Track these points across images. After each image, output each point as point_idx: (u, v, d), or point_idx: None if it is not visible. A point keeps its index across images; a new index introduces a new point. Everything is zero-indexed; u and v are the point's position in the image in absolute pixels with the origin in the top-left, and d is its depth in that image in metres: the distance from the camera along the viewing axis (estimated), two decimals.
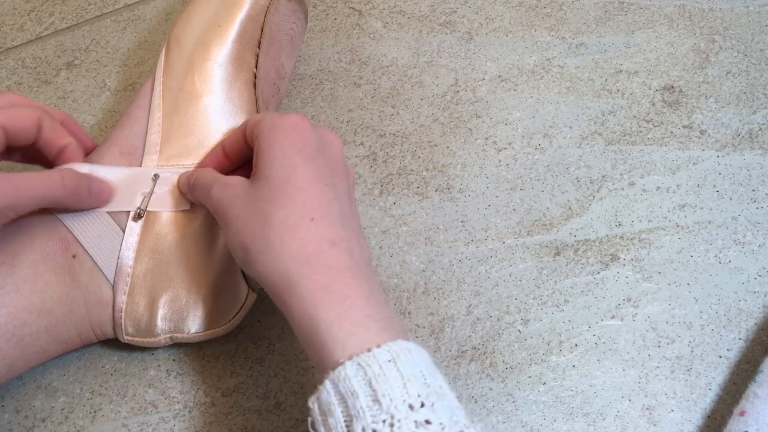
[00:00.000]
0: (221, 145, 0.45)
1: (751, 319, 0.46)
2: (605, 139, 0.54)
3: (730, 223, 0.50)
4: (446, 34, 0.60)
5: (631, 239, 0.49)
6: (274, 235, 0.37)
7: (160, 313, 0.44)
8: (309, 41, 0.60)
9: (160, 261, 0.44)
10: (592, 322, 0.47)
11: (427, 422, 0.31)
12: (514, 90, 0.56)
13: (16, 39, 0.62)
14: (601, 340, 0.46)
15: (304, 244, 0.37)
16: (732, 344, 0.46)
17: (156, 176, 0.45)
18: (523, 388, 0.45)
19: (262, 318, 0.48)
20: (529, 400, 0.44)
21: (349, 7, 0.62)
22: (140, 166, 0.46)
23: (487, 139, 0.54)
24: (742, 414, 0.41)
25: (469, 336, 0.47)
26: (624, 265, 0.49)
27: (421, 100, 0.56)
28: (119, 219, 0.44)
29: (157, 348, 0.46)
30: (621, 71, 0.57)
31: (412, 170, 0.53)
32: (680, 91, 0.56)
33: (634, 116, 0.55)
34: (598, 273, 0.48)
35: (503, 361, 0.46)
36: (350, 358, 0.33)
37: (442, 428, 0.31)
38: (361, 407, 0.32)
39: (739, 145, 0.53)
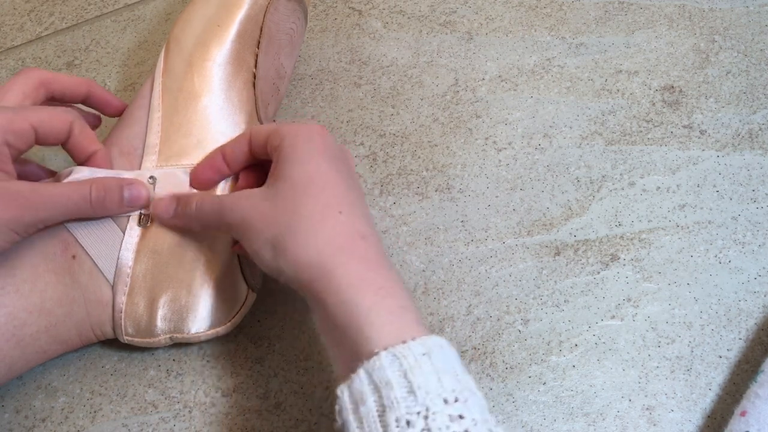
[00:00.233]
0: (221, 153, 0.44)
1: (751, 319, 0.46)
2: (605, 139, 0.54)
3: (730, 223, 0.50)
4: (446, 34, 0.60)
5: (631, 239, 0.49)
6: (305, 226, 0.37)
7: (160, 313, 0.44)
8: (309, 41, 0.60)
9: (159, 261, 0.44)
10: (592, 322, 0.47)
11: (461, 417, 0.31)
12: (514, 90, 0.56)
13: (16, 39, 0.62)
14: (601, 340, 0.46)
15: (336, 234, 0.37)
16: (732, 344, 0.45)
17: (153, 178, 0.45)
18: (523, 388, 0.45)
19: (262, 318, 0.48)
20: (529, 400, 0.44)
21: (349, 7, 0.62)
22: (140, 166, 0.46)
23: (487, 139, 0.54)
24: (743, 414, 0.41)
25: (469, 336, 0.47)
26: (624, 265, 0.49)
27: (421, 100, 0.56)
28: (119, 220, 0.44)
29: (157, 348, 0.46)
30: (621, 71, 0.57)
31: (412, 170, 0.53)
32: (680, 91, 0.56)
33: (634, 116, 0.55)
34: (598, 273, 0.48)
35: (503, 361, 0.46)
36: (385, 349, 0.33)
37: (475, 424, 0.31)
38: (396, 398, 0.31)
39: (739, 145, 0.53)
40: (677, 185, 0.51)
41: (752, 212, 0.50)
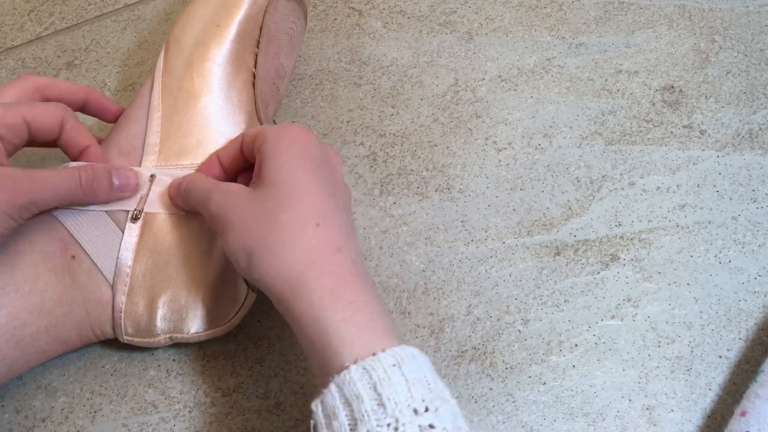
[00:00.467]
0: (217, 156, 0.45)
1: (751, 319, 0.46)
2: (605, 139, 0.54)
3: (730, 223, 0.50)
4: (446, 34, 0.60)
5: (631, 239, 0.49)
6: (280, 237, 0.37)
7: (160, 313, 0.44)
8: (309, 41, 0.60)
9: (159, 261, 0.44)
10: (592, 322, 0.47)
11: (431, 426, 0.31)
12: (514, 90, 0.56)
13: (16, 39, 0.62)
14: (601, 340, 0.46)
15: (310, 247, 0.37)
16: (732, 344, 0.45)
17: (153, 177, 0.45)
18: (523, 388, 0.45)
19: (262, 318, 0.48)
20: (529, 400, 0.44)
21: (349, 7, 0.62)
22: (140, 165, 0.46)
23: (487, 139, 0.54)
24: (743, 414, 0.41)
25: (469, 336, 0.47)
26: (624, 265, 0.48)
27: (421, 100, 0.56)
28: (118, 219, 0.44)
29: (157, 348, 0.46)
30: (621, 71, 0.57)
31: (412, 170, 0.53)
32: (680, 91, 0.56)
33: (634, 116, 0.55)
34: (598, 273, 0.48)
35: (503, 361, 0.46)
36: (355, 362, 0.33)
37: None
38: (366, 411, 0.32)
39: (739, 145, 0.53)
40: (677, 185, 0.51)
41: (752, 212, 0.50)
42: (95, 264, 0.44)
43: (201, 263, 0.44)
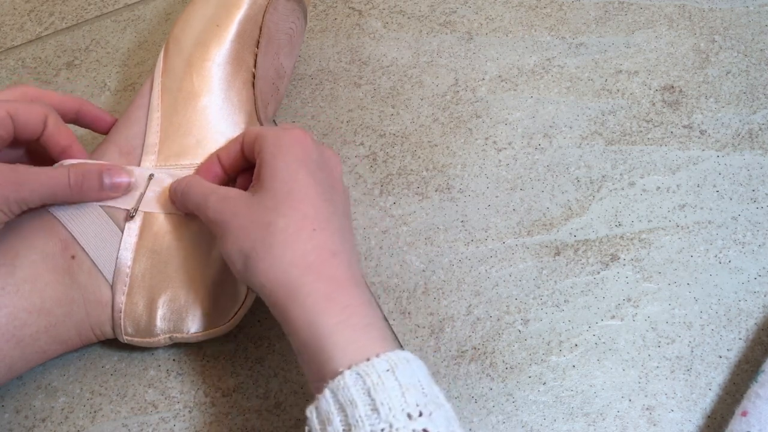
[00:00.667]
0: (217, 157, 0.45)
1: (751, 319, 0.46)
2: (605, 139, 0.54)
3: (730, 223, 0.50)
4: (446, 34, 0.60)
5: (631, 239, 0.49)
6: (276, 242, 0.37)
7: (159, 313, 0.44)
8: (309, 41, 0.60)
9: (158, 261, 0.44)
10: (592, 322, 0.47)
11: (425, 431, 0.32)
12: (514, 90, 0.56)
13: (16, 39, 0.62)
14: (601, 340, 0.46)
15: (306, 252, 0.37)
16: (732, 344, 0.45)
17: (151, 176, 0.45)
18: (523, 388, 0.45)
19: (262, 318, 0.48)
20: (529, 400, 0.44)
21: (349, 7, 0.62)
22: (139, 165, 0.46)
23: (487, 139, 0.54)
24: (744, 414, 0.41)
25: (469, 336, 0.47)
26: (624, 265, 0.48)
27: (421, 100, 0.56)
28: (117, 219, 0.44)
29: (157, 348, 0.46)
30: (621, 71, 0.57)
31: (412, 170, 0.53)
32: (680, 91, 0.56)
33: (634, 116, 0.55)
34: (598, 273, 0.48)
35: (503, 361, 0.46)
36: (349, 367, 0.33)
37: None
38: (360, 416, 0.32)
39: (739, 145, 0.53)
40: (677, 185, 0.51)
41: (752, 212, 0.50)
42: (95, 264, 0.44)
43: (201, 263, 0.44)
